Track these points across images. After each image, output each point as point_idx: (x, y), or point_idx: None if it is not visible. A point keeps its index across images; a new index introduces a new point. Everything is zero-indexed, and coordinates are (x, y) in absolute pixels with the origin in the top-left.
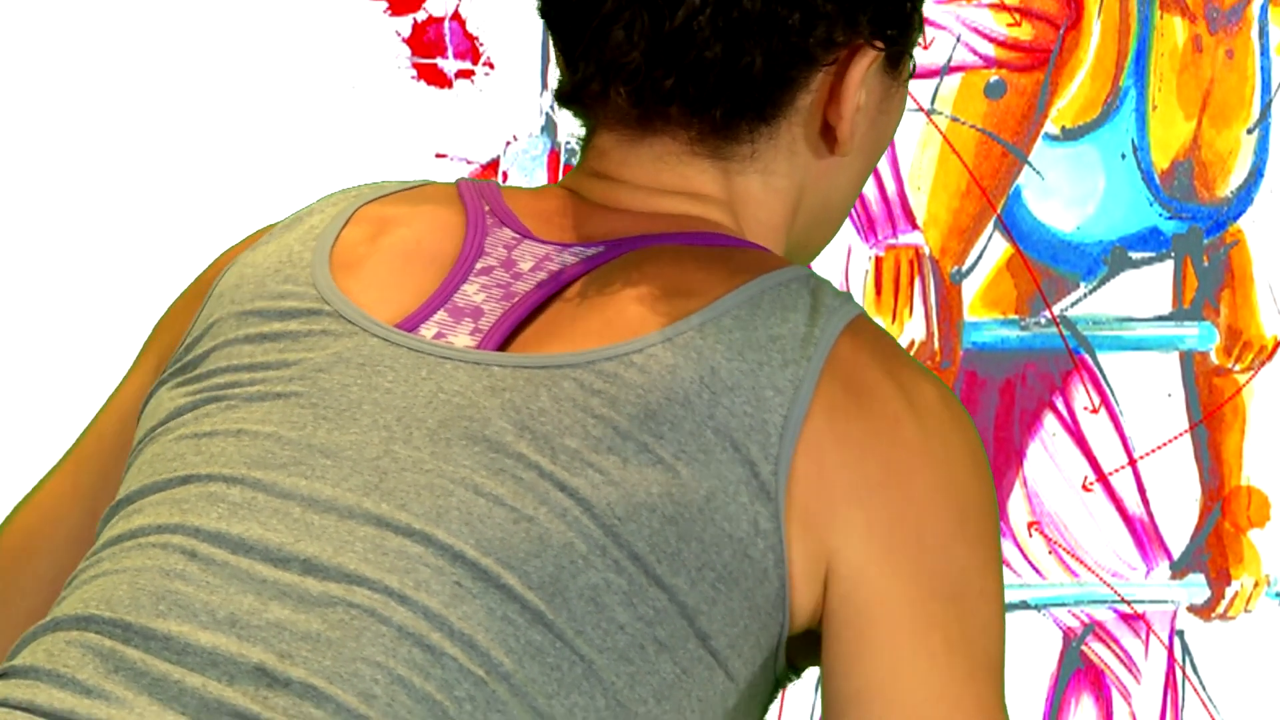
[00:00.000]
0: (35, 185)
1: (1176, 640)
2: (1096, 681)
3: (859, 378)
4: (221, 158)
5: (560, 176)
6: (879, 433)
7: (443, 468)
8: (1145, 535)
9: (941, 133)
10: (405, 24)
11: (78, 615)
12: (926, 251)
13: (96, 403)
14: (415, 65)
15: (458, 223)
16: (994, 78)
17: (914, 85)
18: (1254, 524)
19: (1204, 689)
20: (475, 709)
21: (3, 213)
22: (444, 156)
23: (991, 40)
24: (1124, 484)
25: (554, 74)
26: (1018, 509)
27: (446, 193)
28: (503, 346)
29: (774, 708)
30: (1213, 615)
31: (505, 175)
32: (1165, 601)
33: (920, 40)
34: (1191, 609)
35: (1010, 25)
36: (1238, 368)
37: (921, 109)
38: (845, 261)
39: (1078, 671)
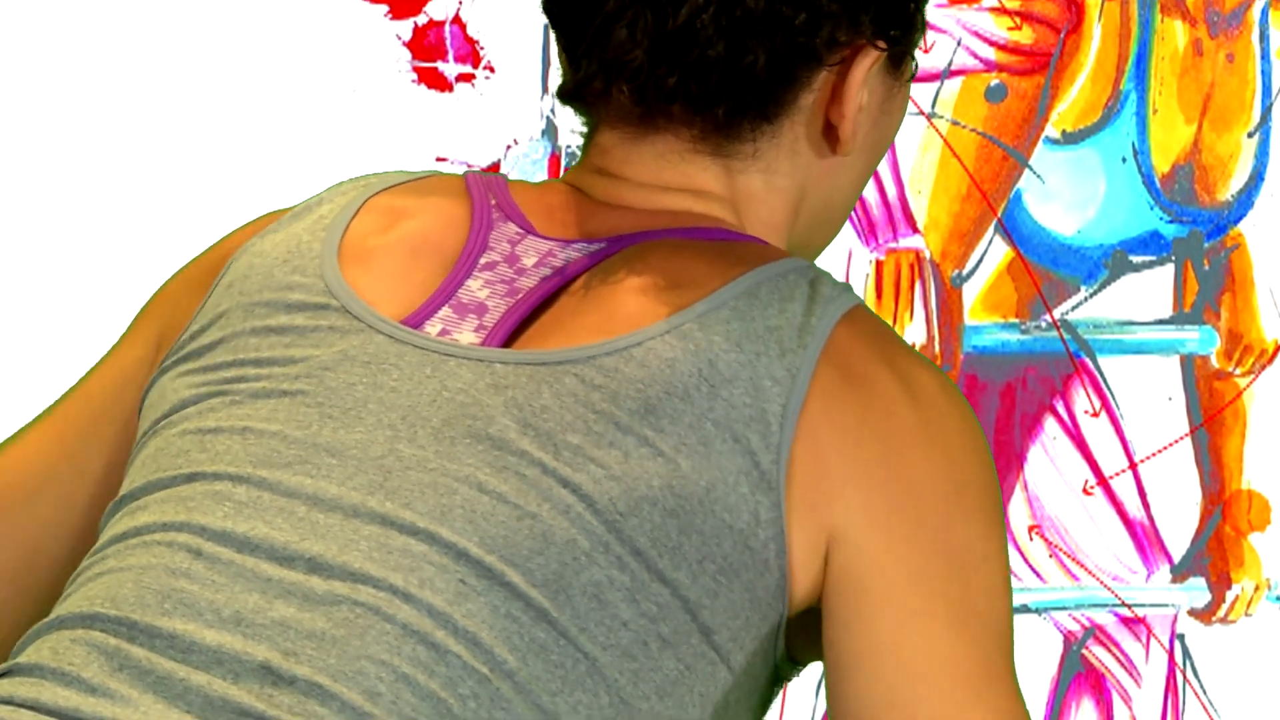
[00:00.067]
0: (36, 189)
1: (1177, 644)
2: (1097, 685)
3: (855, 365)
4: (223, 161)
5: None
6: (874, 415)
7: (447, 466)
8: (1146, 539)
9: (942, 136)
10: (406, 28)
11: (82, 613)
12: (927, 255)
13: None
14: (416, 69)
15: (463, 216)
16: (995, 81)
17: (915, 89)
18: (1255, 528)
19: (1205, 693)
20: (479, 706)
21: (3, 219)
22: (444, 160)
23: (992, 44)
24: (1125, 488)
25: (554, 78)
26: (1018, 512)
27: (454, 185)
28: (507, 342)
29: (774, 707)
30: (1213, 619)
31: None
32: (1166, 605)
33: (921, 44)
34: (1192, 613)
35: (1011, 29)
36: (1238, 371)
37: (922, 112)
38: (846, 265)
39: (1078, 675)
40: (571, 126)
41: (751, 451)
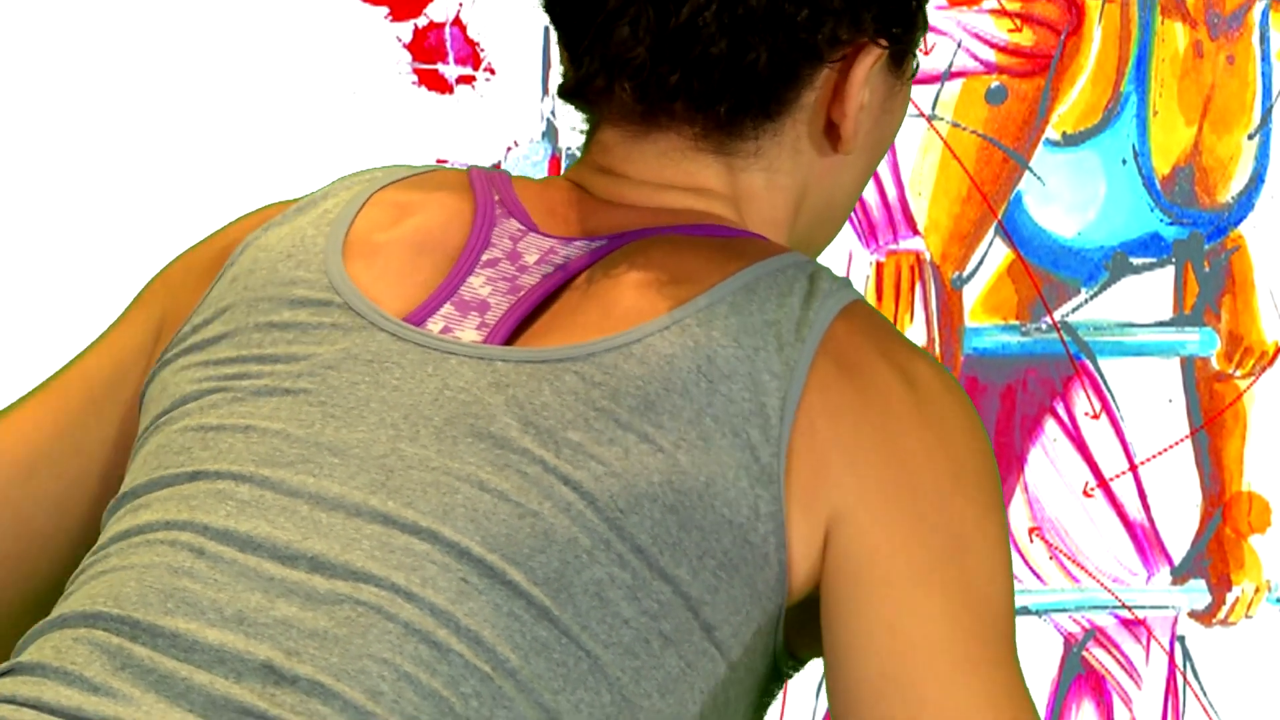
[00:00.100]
0: (36, 193)
1: (1177, 645)
2: (1097, 687)
3: (852, 357)
4: (223, 163)
5: None
6: (871, 402)
7: (449, 465)
8: (1146, 541)
9: (942, 138)
10: (406, 29)
11: (85, 612)
12: (927, 257)
13: None
14: (416, 71)
15: (467, 212)
16: (995, 83)
17: (915, 91)
18: (1255, 529)
19: (1205, 694)
20: (481, 705)
21: (3, 224)
22: (445, 162)
23: (992, 46)
24: (1125, 489)
25: (555, 80)
26: (1019, 514)
27: (458, 180)
28: (509, 340)
29: (775, 707)
30: (1214, 621)
31: None
32: (1166, 607)
33: (922, 46)
34: (1192, 614)
35: (1011, 31)
36: (1239, 373)
37: (923, 114)
38: (846, 266)
39: (1079, 677)
40: (572, 125)
41: (751, 446)
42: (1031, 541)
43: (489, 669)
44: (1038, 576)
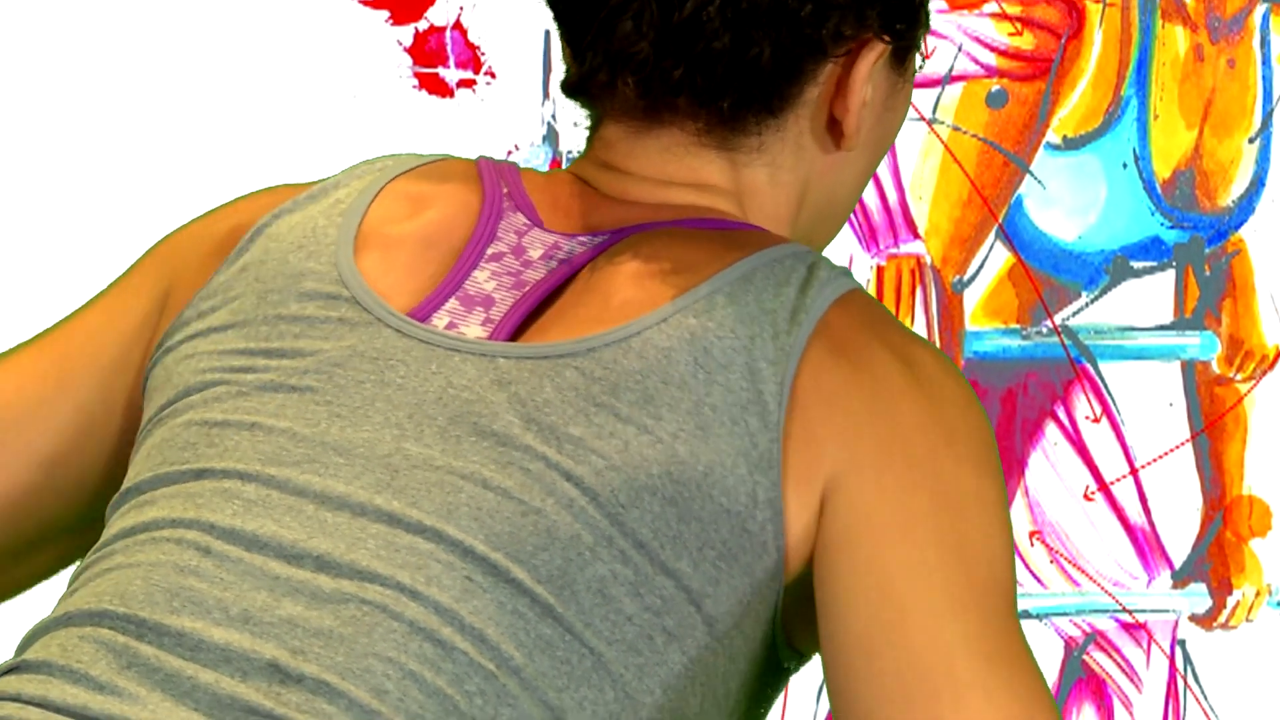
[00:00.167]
0: (36, 195)
1: (1178, 649)
2: (1098, 691)
3: (847, 341)
4: (223, 166)
5: None
6: (862, 379)
7: (453, 464)
8: (1147, 544)
9: (943, 142)
10: (407, 33)
11: (91, 610)
12: (928, 261)
13: None
14: (417, 75)
15: (474, 204)
16: (995, 87)
17: (916, 94)
18: (1255, 533)
19: (1205, 698)
20: (486, 703)
21: (3, 228)
22: None
23: (993, 49)
24: (1125, 493)
25: (556, 84)
26: (1019, 518)
27: (467, 170)
28: (514, 335)
29: (776, 708)
30: (1214, 624)
31: None
32: (1167, 611)
33: (923, 49)
34: (1193, 618)
35: (1012, 34)
36: (1239, 377)
37: (923, 118)
38: None
39: (1079, 681)
40: (574, 122)
41: (750, 433)
42: (1032, 545)
43: (493, 667)
44: (1038, 580)
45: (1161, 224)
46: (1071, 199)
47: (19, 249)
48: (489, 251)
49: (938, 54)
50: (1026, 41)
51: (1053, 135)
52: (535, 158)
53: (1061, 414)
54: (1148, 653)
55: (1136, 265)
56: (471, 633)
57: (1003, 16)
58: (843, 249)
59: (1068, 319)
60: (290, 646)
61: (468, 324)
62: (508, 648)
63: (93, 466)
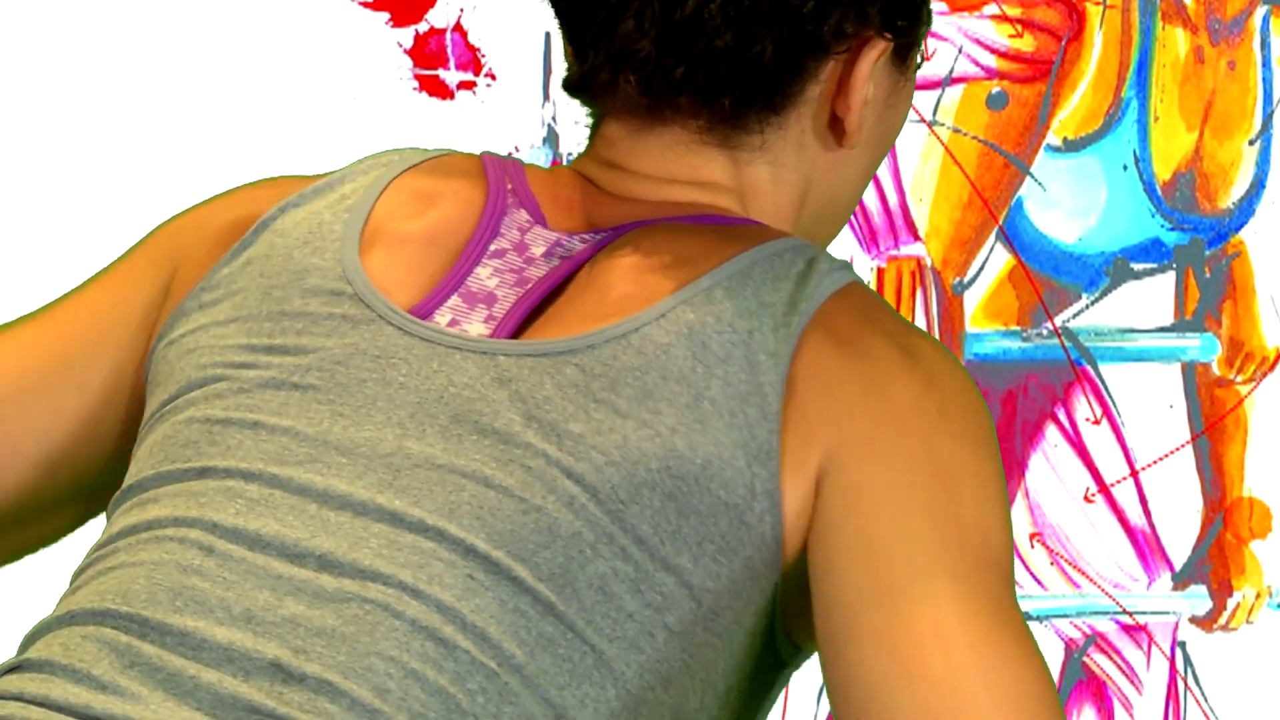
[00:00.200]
0: (36, 198)
1: (1178, 651)
2: (1098, 693)
3: (844, 330)
4: (224, 168)
5: None
6: (859, 364)
7: (454, 462)
8: (1147, 546)
9: (943, 144)
10: (407, 35)
11: (93, 609)
12: (928, 262)
13: None
14: (417, 77)
15: (478, 200)
16: (996, 89)
17: (916, 96)
18: (1256, 535)
19: (1206, 700)
20: (488, 701)
21: (3, 230)
22: None
23: (993, 51)
24: (1126, 495)
25: (556, 85)
26: (1020, 520)
27: (472, 166)
28: (516, 332)
29: (776, 708)
30: (1215, 626)
31: None
32: (1167, 613)
33: (924, 50)
34: (1193, 620)
35: (1012, 36)
36: (1239, 379)
37: (924, 120)
38: None
39: (1080, 683)
40: (575, 120)
41: (749, 424)
42: (1033, 547)
43: (495, 665)
44: (1039, 582)
45: (1162, 226)
46: (1072, 201)
47: (19, 249)
48: (492, 248)
49: (938, 56)
50: (1027, 43)
51: (1053, 137)
52: (535, 159)
53: (1062, 416)
54: (1148, 655)
55: (1137, 267)
56: (473, 631)
57: (1003, 18)
58: (843, 251)
59: (1068, 321)
60: (293, 646)
61: (470, 321)
62: (509, 646)
63: (95, 457)
